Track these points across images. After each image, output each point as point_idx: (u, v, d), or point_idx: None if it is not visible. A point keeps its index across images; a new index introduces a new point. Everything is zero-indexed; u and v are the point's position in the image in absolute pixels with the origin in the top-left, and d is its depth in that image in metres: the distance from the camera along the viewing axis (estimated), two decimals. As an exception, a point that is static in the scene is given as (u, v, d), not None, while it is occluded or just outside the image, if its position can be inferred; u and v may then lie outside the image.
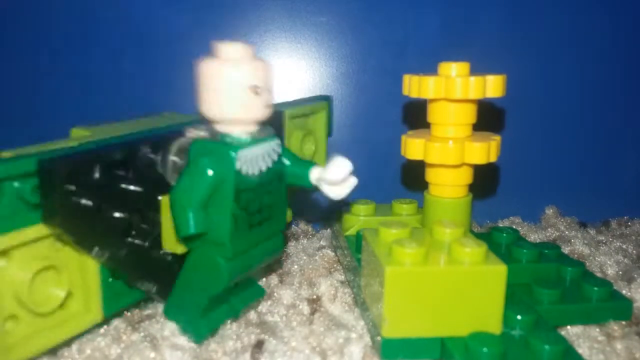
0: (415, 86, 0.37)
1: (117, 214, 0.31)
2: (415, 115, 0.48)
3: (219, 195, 0.29)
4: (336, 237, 0.45)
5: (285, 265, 0.42)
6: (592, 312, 0.34)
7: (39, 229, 0.28)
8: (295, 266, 0.42)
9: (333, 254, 0.44)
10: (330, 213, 0.49)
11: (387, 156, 0.50)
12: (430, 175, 0.39)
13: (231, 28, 0.51)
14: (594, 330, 0.33)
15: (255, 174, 0.31)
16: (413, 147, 0.38)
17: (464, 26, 0.51)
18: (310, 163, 0.34)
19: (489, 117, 0.46)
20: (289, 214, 0.46)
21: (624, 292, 0.38)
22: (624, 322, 0.34)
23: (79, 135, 0.33)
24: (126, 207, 0.31)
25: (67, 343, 0.31)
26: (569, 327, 0.33)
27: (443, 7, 0.51)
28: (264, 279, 0.39)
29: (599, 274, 0.41)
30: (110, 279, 0.32)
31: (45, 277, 0.29)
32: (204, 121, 0.31)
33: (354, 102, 0.52)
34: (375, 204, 0.44)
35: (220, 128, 0.30)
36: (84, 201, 0.29)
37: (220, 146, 0.30)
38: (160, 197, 0.32)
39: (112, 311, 0.32)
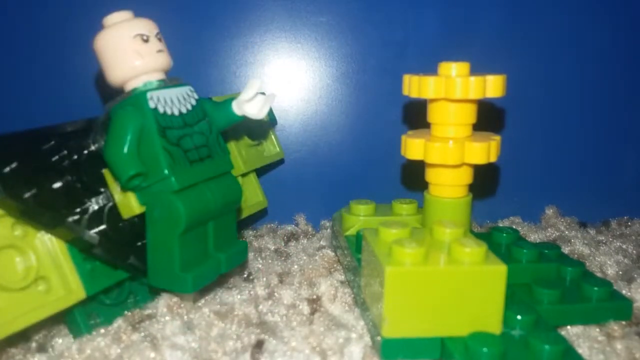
0: (415, 86, 0.37)
1: (60, 199, 0.32)
2: (415, 115, 0.48)
3: (146, 137, 0.31)
4: (336, 237, 0.45)
5: (285, 266, 0.42)
6: (592, 312, 0.34)
7: None
8: (295, 266, 0.42)
9: (333, 254, 0.44)
10: (330, 213, 0.49)
11: (387, 156, 0.50)
12: (430, 175, 0.39)
13: (231, 28, 0.51)
14: (594, 330, 0.33)
15: (174, 114, 0.33)
16: (413, 147, 0.38)
17: (464, 26, 0.51)
18: (230, 99, 0.36)
19: (489, 117, 0.46)
20: (263, 199, 0.47)
21: (624, 292, 0.38)
22: (624, 322, 0.34)
23: None
24: (69, 188, 0.32)
25: (67, 343, 0.31)
26: (569, 327, 0.33)
27: (443, 7, 0.51)
28: (264, 279, 0.39)
29: (599, 274, 0.41)
30: (84, 259, 0.33)
31: (8, 256, 0.29)
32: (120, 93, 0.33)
33: (354, 102, 0.52)
34: (375, 204, 0.44)
35: (130, 86, 0.33)
36: (18, 185, 0.29)
37: (132, 95, 0.32)
38: (103, 171, 0.34)
39: (96, 289, 0.33)
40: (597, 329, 0.33)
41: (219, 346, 0.31)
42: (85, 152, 0.34)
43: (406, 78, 0.38)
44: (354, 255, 0.38)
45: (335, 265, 0.43)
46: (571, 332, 0.33)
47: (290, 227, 0.51)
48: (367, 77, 0.52)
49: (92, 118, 0.35)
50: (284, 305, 0.36)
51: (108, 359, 0.30)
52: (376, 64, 0.52)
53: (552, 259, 0.39)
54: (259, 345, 0.31)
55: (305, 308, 0.35)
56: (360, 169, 0.53)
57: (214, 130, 0.35)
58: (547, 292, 0.34)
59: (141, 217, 0.34)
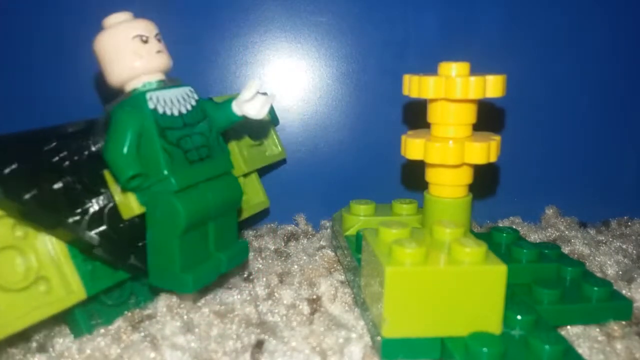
0: (415, 86, 0.37)
1: (60, 200, 0.32)
2: (415, 115, 0.48)
3: (146, 137, 0.32)
4: (336, 237, 0.45)
5: (285, 266, 0.42)
6: (592, 312, 0.34)
7: None
8: (295, 266, 0.42)
9: (333, 254, 0.44)
10: (330, 213, 0.49)
11: (387, 156, 0.50)
12: (430, 175, 0.39)
13: (231, 28, 0.51)
14: (594, 330, 0.33)
15: (174, 114, 0.33)
16: (413, 147, 0.38)
17: (464, 26, 0.51)
18: (230, 99, 0.36)
19: (489, 117, 0.46)
20: (265, 199, 0.47)
21: (624, 292, 0.38)
22: (624, 322, 0.34)
23: None
24: (69, 189, 0.32)
25: (67, 343, 0.31)
26: (569, 327, 0.34)
27: (443, 7, 0.51)
28: (264, 279, 0.39)
29: (599, 274, 0.41)
30: (84, 260, 0.33)
31: (8, 257, 0.30)
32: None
33: (354, 102, 0.52)
34: (375, 204, 0.44)
35: (129, 87, 0.33)
36: (18, 186, 0.29)
37: (131, 96, 0.32)
38: (103, 172, 0.34)
39: (97, 290, 0.33)
40: (597, 329, 0.33)
41: (219, 346, 0.31)
42: (86, 152, 0.34)
43: (406, 78, 0.38)
44: (354, 255, 0.38)
45: (335, 265, 0.43)
46: (571, 332, 0.33)
47: (290, 227, 0.51)
48: (367, 77, 0.52)
49: (92, 119, 0.35)
50: (284, 305, 0.36)
51: (108, 359, 0.30)
52: (376, 64, 0.52)
53: (552, 259, 0.39)
54: (259, 345, 0.31)
55: (305, 308, 0.35)
56: (360, 169, 0.53)
57: (214, 131, 0.36)
58: (547, 292, 0.34)
59: (142, 217, 0.34)
